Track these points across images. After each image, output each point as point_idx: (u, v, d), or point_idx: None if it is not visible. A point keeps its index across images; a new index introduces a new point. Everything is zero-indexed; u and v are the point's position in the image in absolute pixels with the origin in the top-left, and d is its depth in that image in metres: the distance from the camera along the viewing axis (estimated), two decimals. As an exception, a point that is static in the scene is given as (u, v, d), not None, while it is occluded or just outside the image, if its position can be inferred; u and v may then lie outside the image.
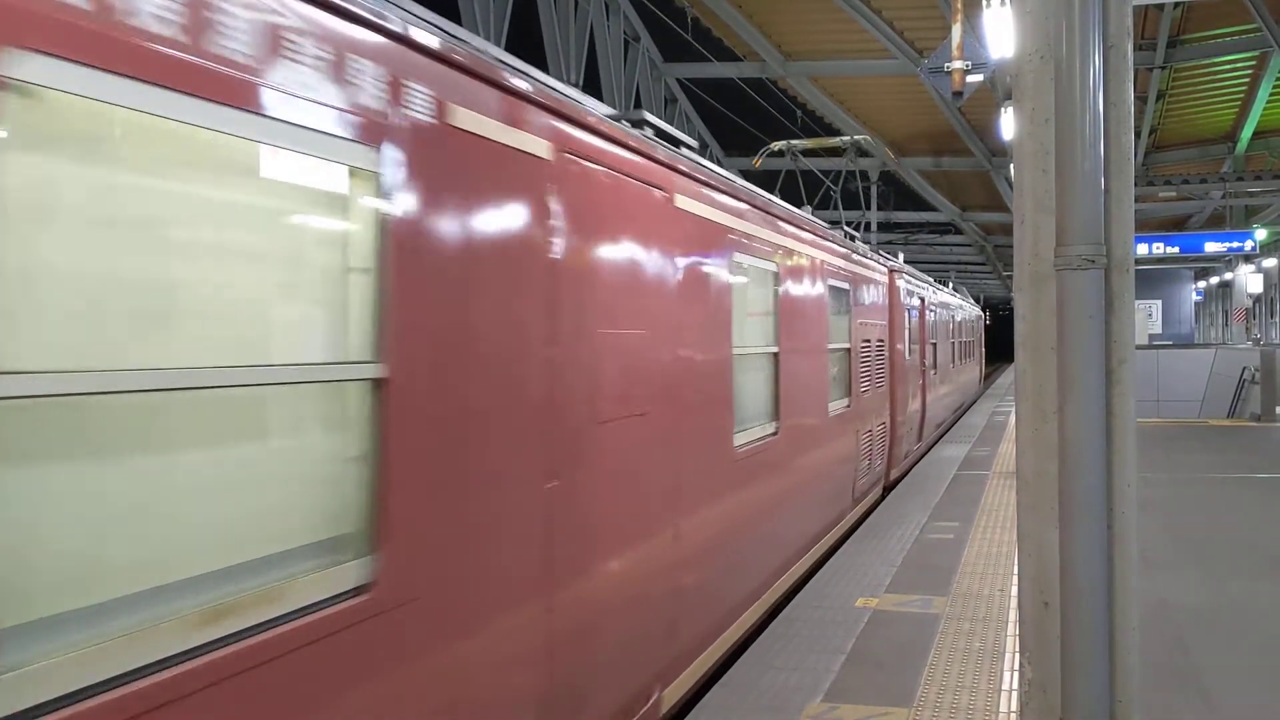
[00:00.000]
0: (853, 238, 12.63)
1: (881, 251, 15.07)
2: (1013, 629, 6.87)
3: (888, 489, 13.58)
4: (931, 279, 21.57)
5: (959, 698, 5.78)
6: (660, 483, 5.31)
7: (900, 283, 14.60)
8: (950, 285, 29.63)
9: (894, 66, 20.89)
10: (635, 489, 4.99)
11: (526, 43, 17.37)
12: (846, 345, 10.80)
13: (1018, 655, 4.06)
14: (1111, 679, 3.31)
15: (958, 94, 11.02)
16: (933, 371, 18.01)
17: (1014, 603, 7.35)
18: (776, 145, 16.08)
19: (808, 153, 17.71)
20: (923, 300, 17.04)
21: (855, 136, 17.45)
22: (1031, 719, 3.54)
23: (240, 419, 2.74)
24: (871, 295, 12.43)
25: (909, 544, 9.84)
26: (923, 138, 29.30)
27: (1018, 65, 3.55)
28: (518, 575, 3.91)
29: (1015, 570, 5.20)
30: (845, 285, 10.68)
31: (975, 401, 30.27)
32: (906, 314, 15.04)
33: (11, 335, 2.07)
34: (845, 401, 10.63)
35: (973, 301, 33.30)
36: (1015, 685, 5.83)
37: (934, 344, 18.46)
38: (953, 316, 23.16)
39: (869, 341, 12.03)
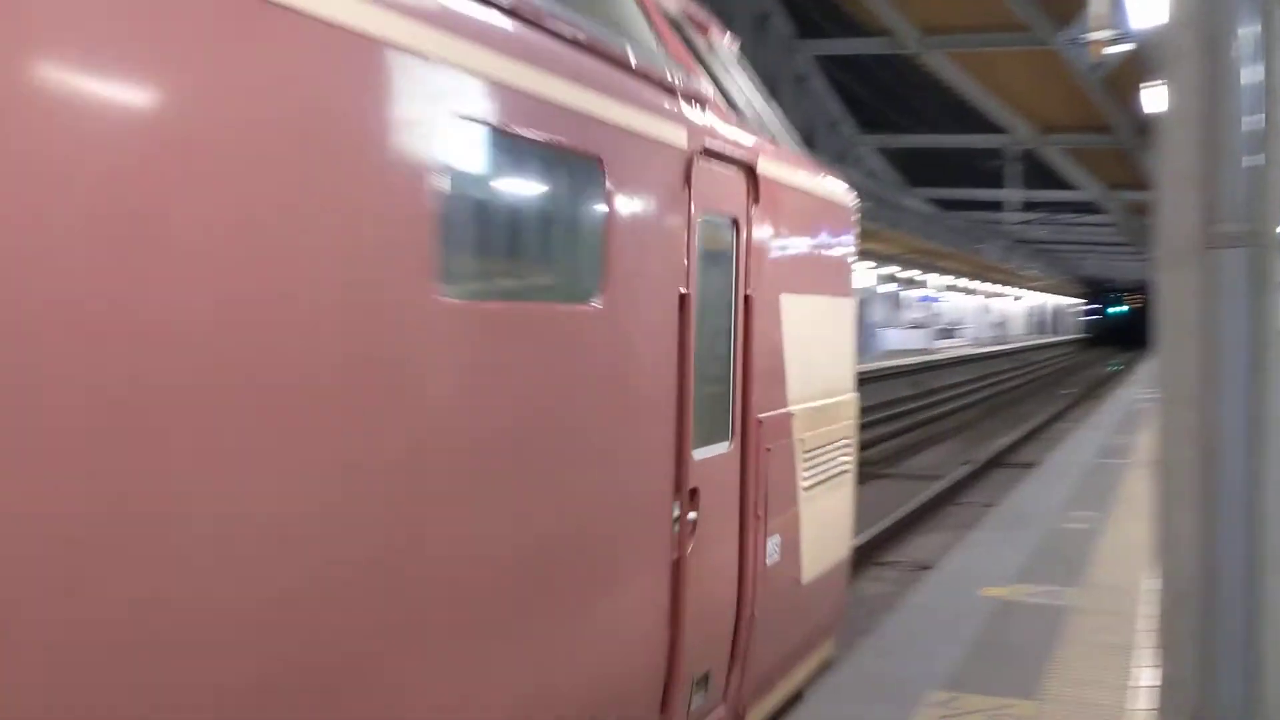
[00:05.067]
0: None
1: None
2: (1145, 623, 6.65)
3: None
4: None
5: (1086, 692, 5.62)
6: None
7: None
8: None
9: (1032, 39, 20.24)
10: None
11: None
12: None
13: (1152, 651, 3.93)
14: (1253, 678, 3.18)
15: (1096, 66, 10.60)
16: None
17: (1149, 596, 7.11)
18: None
19: None
20: None
21: None
22: (1167, 718, 3.43)
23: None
24: None
25: (1042, 533, 9.63)
26: (1065, 114, 28.33)
27: (1165, 33, 3.41)
28: None
29: (1151, 562, 5.02)
30: None
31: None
32: None
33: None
34: None
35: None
36: (1148, 681, 5.63)
37: None
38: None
39: None
